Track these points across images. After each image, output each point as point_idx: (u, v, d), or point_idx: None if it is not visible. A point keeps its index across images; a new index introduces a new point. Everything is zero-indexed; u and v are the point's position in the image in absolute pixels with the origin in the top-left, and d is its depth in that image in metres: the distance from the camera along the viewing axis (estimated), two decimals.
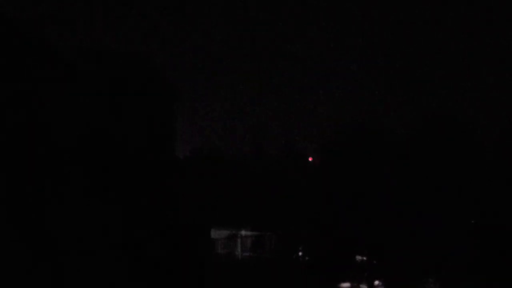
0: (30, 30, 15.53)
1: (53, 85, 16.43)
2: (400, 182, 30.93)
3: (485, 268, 28.53)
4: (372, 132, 33.94)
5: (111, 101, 19.66)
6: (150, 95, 22.63)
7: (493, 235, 29.10)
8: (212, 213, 30.19)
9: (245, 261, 28.90)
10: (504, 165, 31.03)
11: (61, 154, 16.55)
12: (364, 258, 30.96)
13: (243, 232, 30.64)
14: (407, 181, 30.91)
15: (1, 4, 14.75)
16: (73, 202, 16.83)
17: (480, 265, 28.67)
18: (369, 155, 32.07)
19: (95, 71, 18.54)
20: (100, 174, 18.35)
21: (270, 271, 27.92)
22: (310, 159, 39.89)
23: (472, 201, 30.15)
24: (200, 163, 38.74)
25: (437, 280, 29.97)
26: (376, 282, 30.18)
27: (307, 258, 31.07)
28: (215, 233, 29.76)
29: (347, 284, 30.33)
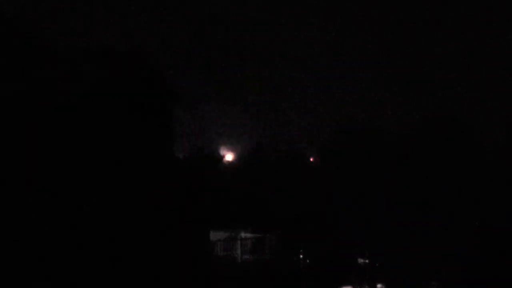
0: (29, 30, 15.53)
1: (52, 84, 16.33)
2: (401, 182, 30.85)
3: (487, 270, 28.42)
4: (372, 132, 33.90)
5: (110, 100, 19.40)
6: (150, 95, 22.39)
7: (495, 237, 28.99)
8: (212, 214, 29.90)
9: (245, 263, 28.61)
10: (505, 165, 30.99)
11: (60, 153, 16.41)
12: (366, 261, 30.81)
13: (242, 234, 30.37)
14: (407, 181, 30.82)
15: (1, 4, 14.69)
16: (72, 202, 16.67)
17: (482, 267, 28.55)
18: (369, 155, 31.99)
19: (95, 70, 18.41)
20: (98, 174, 18.14)
21: (271, 273, 27.63)
22: (311, 159, 39.70)
23: (474, 202, 30.07)
24: (200, 163, 38.50)
25: (439, 283, 29.83)
26: (379, 286, 30.00)
27: (308, 260, 30.87)
28: (215, 235, 29.47)
29: (348, 287, 30.13)
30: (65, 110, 16.83)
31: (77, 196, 16.87)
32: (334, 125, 38.42)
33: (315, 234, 30.69)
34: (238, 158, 44.70)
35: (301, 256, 30.98)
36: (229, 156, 45.33)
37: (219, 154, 43.68)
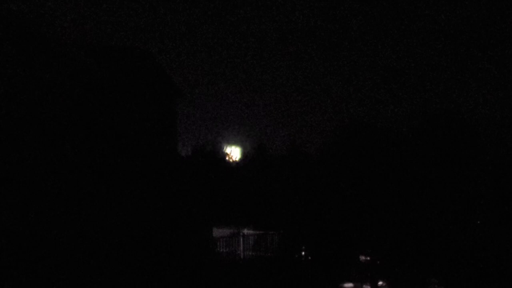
0: (34, 26, 15.43)
1: (56, 80, 16.35)
2: (403, 180, 30.82)
3: (487, 267, 28.41)
4: (374, 129, 33.82)
5: (114, 97, 19.47)
6: (153, 92, 22.49)
7: (496, 234, 28.97)
8: (214, 211, 30.04)
9: (247, 259, 28.68)
10: (507, 162, 30.94)
11: (63, 150, 16.41)
12: (368, 258, 30.80)
13: (245, 231, 30.43)
14: (409, 179, 30.79)
15: (4, 0, 14.59)
16: (73, 200, 16.65)
17: (482, 264, 28.55)
18: (371, 153, 31.96)
19: (98, 66, 18.35)
20: (101, 170, 18.18)
21: (273, 270, 27.70)
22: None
23: (476, 200, 30.02)
24: (202, 161, 38.56)
25: (441, 280, 29.81)
26: (380, 283, 30.01)
27: (310, 257, 30.89)
28: (217, 232, 29.61)
29: (350, 284, 30.16)
30: (68, 105, 16.87)
31: (79, 193, 16.86)
32: (337, 122, 38.36)
33: (317, 231, 30.72)
34: (241, 156, 44.71)
35: (303, 253, 31.01)
36: (235, 152, 45.32)
37: (222, 151, 43.70)
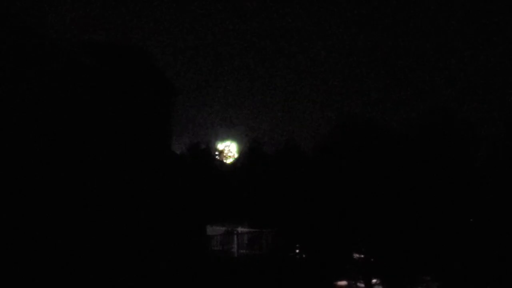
0: (30, 24, 15.36)
1: (52, 78, 16.23)
2: (398, 178, 30.82)
3: (480, 265, 28.47)
4: (370, 127, 33.79)
5: (109, 94, 19.32)
6: (148, 90, 22.34)
7: (492, 233, 29.03)
8: (208, 209, 29.93)
9: (241, 258, 28.57)
10: (503, 161, 30.96)
11: (60, 149, 16.32)
12: (362, 256, 30.81)
13: (239, 229, 30.31)
14: (404, 177, 30.80)
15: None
16: (69, 198, 16.46)
17: (478, 263, 28.60)
18: (367, 150, 31.93)
19: (94, 64, 18.29)
20: (96, 168, 18.02)
21: (267, 268, 27.64)
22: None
23: (471, 199, 30.07)
24: (196, 159, 38.45)
25: (434, 277, 29.87)
26: (374, 280, 30.06)
27: (304, 255, 30.89)
28: (211, 230, 29.44)
29: (344, 282, 30.21)
30: (64, 103, 16.74)
31: (75, 191, 16.76)
32: (333, 120, 38.20)
33: (311, 229, 30.71)
34: (237, 151, 44.65)
35: (297, 251, 30.99)
36: (232, 148, 45.18)
37: (216, 149, 43.63)
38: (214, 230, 29.48)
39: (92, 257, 17.09)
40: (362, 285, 30.09)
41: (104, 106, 18.95)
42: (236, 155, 45.28)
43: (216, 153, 44.78)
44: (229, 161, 44.40)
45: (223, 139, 45.58)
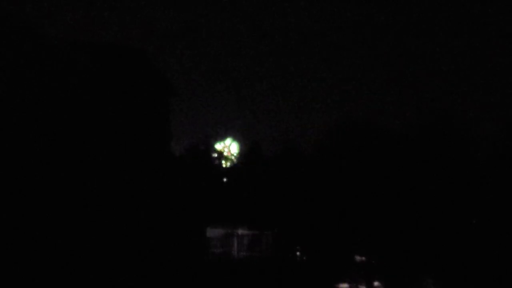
0: (29, 24, 15.25)
1: (51, 78, 16.11)
2: (398, 180, 30.65)
3: (481, 267, 28.32)
4: (369, 128, 33.61)
5: (106, 94, 19.15)
6: (146, 90, 22.15)
7: (491, 234, 28.87)
8: (208, 211, 29.71)
9: (241, 260, 28.36)
10: (503, 161, 30.85)
11: (59, 149, 16.24)
12: (363, 258, 30.58)
13: (239, 231, 30.13)
14: (405, 179, 30.62)
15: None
16: (68, 198, 16.34)
17: (480, 264, 28.43)
18: (366, 152, 31.74)
19: (93, 64, 18.16)
20: (94, 169, 17.87)
21: (267, 271, 27.41)
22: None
23: (473, 200, 29.89)
24: (196, 160, 38.27)
25: (437, 280, 29.66)
26: (375, 283, 29.80)
27: (304, 257, 30.64)
28: (211, 232, 29.24)
29: (345, 285, 29.92)
30: (61, 103, 16.57)
31: (74, 192, 16.64)
32: (332, 121, 38.12)
33: (311, 231, 30.47)
34: (238, 151, 44.47)
35: (298, 253, 30.74)
36: (233, 148, 45.00)
37: (215, 149, 43.43)
38: (214, 232, 29.31)
39: (92, 257, 17.00)
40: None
41: (103, 107, 18.82)
42: (235, 156, 45.10)
43: (215, 154, 44.58)
44: (228, 162, 44.22)
45: (222, 139, 45.42)
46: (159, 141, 23.32)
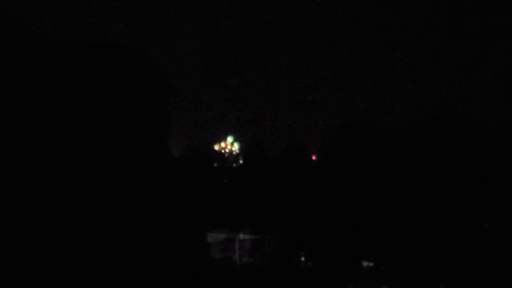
0: (29, 24, 15.31)
1: (50, 78, 16.19)
2: (406, 182, 30.18)
3: (493, 272, 27.77)
4: (375, 130, 33.21)
5: (105, 94, 19.07)
6: (145, 90, 22.14)
7: (503, 238, 28.34)
8: (208, 214, 29.13)
9: (243, 266, 27.73)
10: (504, 163, 30.41)
11: (58, 149, 16.32)
12: (371, 264, 30.06)
13: (241, 236, 29.56)
14: (412, 181, 30.15)
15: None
16: (68, 199, 16.36)
17: (488, 269, 27.88)
18: (372, 154, 31.30)
19: (92, 64, 18.15)
20: (92, 171, 17.84)
21: (271, 277, 26.75)
22: (313, 157, 38.91)
23: (483, 204, 29.36)
24: (196, 161, 37.84)
25: (445, 286, 29.16)
26: None
27: (309, 263, 30.03)
28: (212, 237, 28.69)
29: None
30: (60, 104, 16.51)
31: (74, 192, 16.68)
32: (336, 122, 37.96)
33: (316, 235, 29.91)
34: (239, 149, 44.10)
35: (302, 258, 30.11)
36: (234, 147, 44.57)
37: (216, 150, 42.97)
38: (215, 237, 28.84)
39: (91, 257, 17.12)
40: None
41: (103, 107, 18.95)
42: (236, 157, 44.65)
43: (215, 154, 44.11)
44: (229, 163, 43.71)
45: (223, 140, 44.98)
46: (158, 141, 23.36)
